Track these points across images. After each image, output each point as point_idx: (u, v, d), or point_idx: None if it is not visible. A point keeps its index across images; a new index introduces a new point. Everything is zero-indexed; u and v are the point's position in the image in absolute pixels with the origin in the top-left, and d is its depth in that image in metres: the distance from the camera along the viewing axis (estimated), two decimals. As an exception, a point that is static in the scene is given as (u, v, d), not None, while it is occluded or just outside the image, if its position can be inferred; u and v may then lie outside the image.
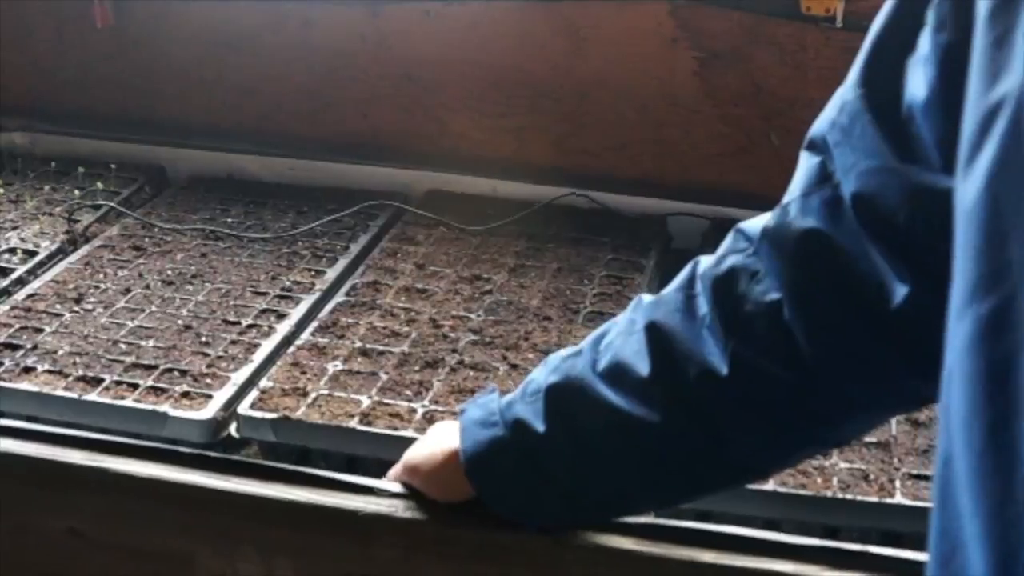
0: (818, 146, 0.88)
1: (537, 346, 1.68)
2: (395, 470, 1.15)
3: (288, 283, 1.87)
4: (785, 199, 0.91)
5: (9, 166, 2.30)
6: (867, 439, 1.47)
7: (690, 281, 0.97)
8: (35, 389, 1.56)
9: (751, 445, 0.97)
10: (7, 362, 1.62)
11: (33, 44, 2.40)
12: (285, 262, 1.95)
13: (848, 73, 0.86)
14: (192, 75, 2.33)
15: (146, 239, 2.03)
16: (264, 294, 1.84)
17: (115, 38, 2.35)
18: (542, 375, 1.03)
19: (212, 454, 1.29)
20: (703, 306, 0.95)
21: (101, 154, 2.32)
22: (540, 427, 1.00)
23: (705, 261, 0.97)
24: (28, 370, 1.61)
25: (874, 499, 1.36)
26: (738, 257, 0.94)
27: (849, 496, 1.36)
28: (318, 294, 1.84)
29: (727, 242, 0.96)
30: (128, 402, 1.54)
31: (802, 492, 1.37)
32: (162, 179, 2.30)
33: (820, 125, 0.88)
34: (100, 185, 2.19)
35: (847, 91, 0.85)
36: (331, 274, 1.91)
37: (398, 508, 1.13)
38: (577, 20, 2.11)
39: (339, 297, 1.83)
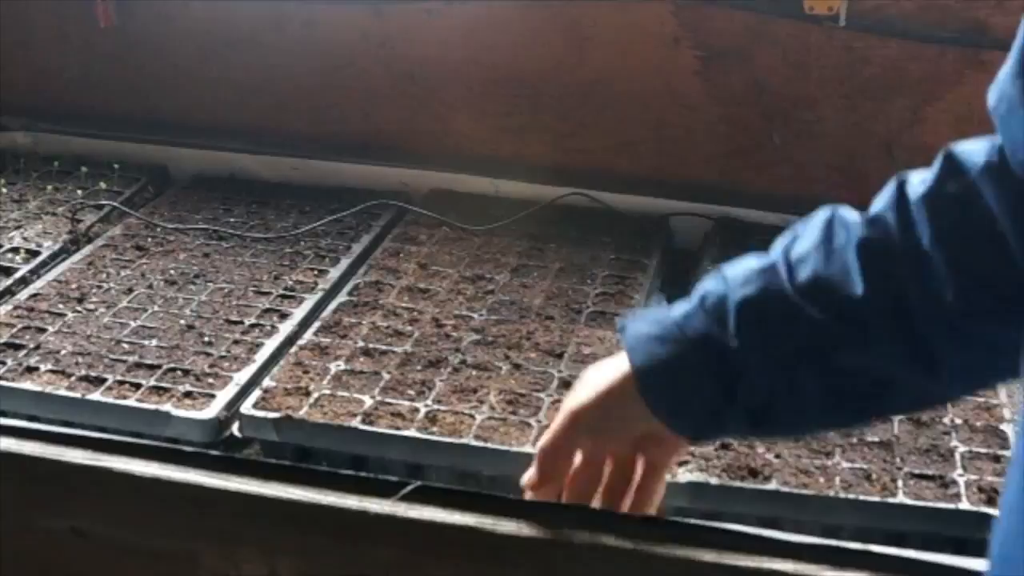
0: None
1: (539, 345, 1.68)
2: (555, 427, 1.05)
3: (291, 283, 1.88)
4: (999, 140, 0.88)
5: (12, 165, 2.30)
6: (869, 438, 1.47)
7: (901, 203, 0.94)
8: (38, 389, 1.56)
9: (962, 371, 0.95)
10: (10, 362, 1.62)
11: (36, 44, 2.41)
12: (288, 262, 1.95)
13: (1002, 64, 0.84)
14: (194, 74, 2.33)
15: (149, 239, 2.03)
16: (267, 294, 1.84)
17: (118, 38, 2.35)
18: (722, 287, 0.97)
19: (214, 453, 1.29)
20: (923, 231, 0.92)
21: (104, 154, 2.32)
22: (733, 343, 0.94)
23: (915, 184, 0.94)
24: (31, 370, 1.61)
25: (876, 499, 1.36)
26: (956, 185, 0.91)
27: (851, 495, 1.36)
28: (321, 294, 1.84)
29: (940, 167, 0.93)
30: (131, 402, 1.54)
31: (804, 491, 1.37)
32: (165, 179, 2.31)
33: (989, 98, 0.86)
34: (103, 185, 2.20)
35: (1005, 81, 0.83)
36: (334, 274, 1.91)
37: (399, 508, 1.14)
38: (579, 19, 2.11)
39: (342, 297, 1.83)
